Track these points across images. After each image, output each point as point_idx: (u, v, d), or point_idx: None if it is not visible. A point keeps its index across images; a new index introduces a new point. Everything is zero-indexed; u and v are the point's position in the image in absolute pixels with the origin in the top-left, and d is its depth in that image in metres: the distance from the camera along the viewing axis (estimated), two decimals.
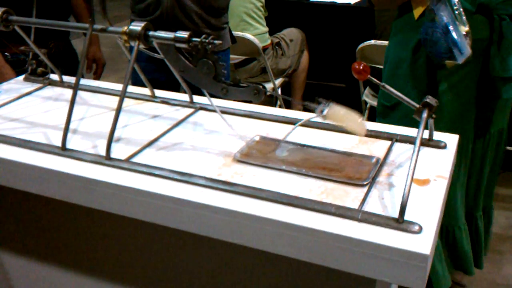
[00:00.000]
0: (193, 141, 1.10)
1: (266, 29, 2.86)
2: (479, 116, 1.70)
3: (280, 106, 2.64)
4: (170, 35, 1.01)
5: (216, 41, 0.98)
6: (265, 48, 2.79)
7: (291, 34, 3.00)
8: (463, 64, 1.55)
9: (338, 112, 0.92)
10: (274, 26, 2.95)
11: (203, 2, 1.92)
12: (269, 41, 2.87)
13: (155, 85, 1.31)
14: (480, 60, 1.64)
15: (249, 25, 2.74)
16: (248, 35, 2.66)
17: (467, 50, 1.51)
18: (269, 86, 2.88)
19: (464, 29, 1.53)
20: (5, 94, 1.36)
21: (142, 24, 1.03)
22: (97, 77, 2.33)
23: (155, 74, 1.25)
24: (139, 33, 1.02)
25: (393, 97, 0.96)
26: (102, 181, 0.96)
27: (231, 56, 2.73)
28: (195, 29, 1.92)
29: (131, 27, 1.03)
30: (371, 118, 2.65)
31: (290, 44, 2.96)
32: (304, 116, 1.18)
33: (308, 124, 1.13)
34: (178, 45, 1.01)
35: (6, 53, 2.00)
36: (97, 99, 1.32)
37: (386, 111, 1.76)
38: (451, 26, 1.51)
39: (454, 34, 1.51)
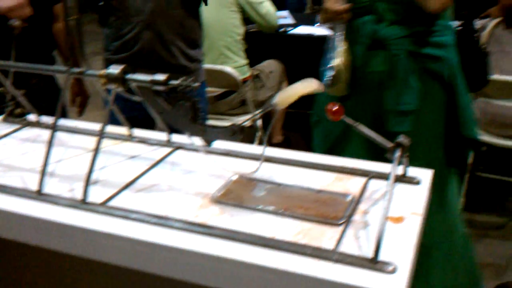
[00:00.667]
0: (170, 181, 1.10)
1: (246, 61, 2.89)
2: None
3: (260, 138, 2.66)
4: (147, 77, 1.02)
5: (193, 84, 0.99)
6: (245, 80, 2.82)
7: (271, 65, 3.04)
8: (362, 95, 1.70)
9: (286, 91, 0.95)
10: (253, 58, 2.99)
11: (182, 33, 1.93)
12: (248, 73, 2.91)
13: (133, 122, 1.31)
14: (375, 92, 1.71)
15: (228, 58, 2.77)
16: (228, 68, 2.69)
17: (326, 81, 1.66)
18: (248, 116, 2.90)
19: (337, 61, 1.67)
20: None
21: (120, 67, 1.04)
22: (81, 111, 2.32)
23: (133, 112, 1.26)
24: (116, 76, 1.03)
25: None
26: (77, 226, 0.96)
27: (211, 89, 2.75)
28: (173, 62, 1.94)
29: (109, 70, 1.04)
30: None
31: (269, 76, 2.99)
32: (281, 153, 1.20)
33: (286, 162, 1.15)
34: (155, 87, 1.02)
35: None
36: (75, 139, 1.32)
37: (314, 124, 1.95)
38: (331, 58, 1.68)
39: (326, 64, 1.68)
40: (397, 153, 0.91)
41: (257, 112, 0.95)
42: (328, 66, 1.68)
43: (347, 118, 0.95)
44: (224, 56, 2.76)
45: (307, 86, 0.95)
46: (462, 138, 1.75)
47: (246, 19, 2.86)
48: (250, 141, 3.19)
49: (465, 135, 1.76)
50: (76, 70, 1.10)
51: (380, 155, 1.73)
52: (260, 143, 2.54)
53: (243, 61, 2.85)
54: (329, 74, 1.68)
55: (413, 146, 0.93)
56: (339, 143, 1.84)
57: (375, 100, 1.73)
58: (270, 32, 2.93)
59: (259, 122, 2.90)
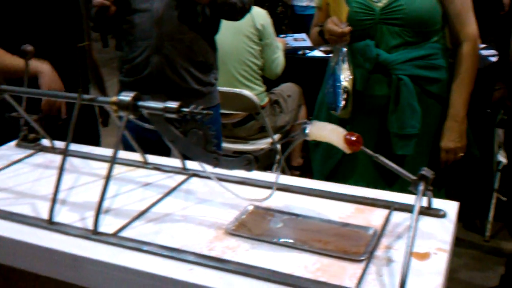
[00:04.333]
0: (184, 211, 1.07)
1: (263, 88, 2.85)
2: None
3: (279, 163, 2.61)
4: (159, 105, 1.00)
5: (205, 111, 0.96)
6: (262, 107, 2.78)
7: (289, 89, 3.00)
8: (364, 118, 1.71)
9: (321, 128, 0.90)
10: (270, 81, 2.96)
11: (193, 57, 1.91)
12: (266, 100, 2.86)
13: (146, 144, 1.28)
14: (378, 116, 1.72)
15: (245, 86, 2.74)
16: (246, 92, 2.66)
17: (341, 104, 1.66)
18: (268, 140, 2.86)
19: (343, 84, 1.66)
20: None
21: (132, 94, 1.01)
22: (104, 121, 2.29)
23: (146, 133, 1.23)
24: (128, 103, 1.00)
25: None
26: (88, 258, 0.92)
27: (228, 114, 2.73)
28: (184, 86, 1.91)
29: (120, 97, 1.01)
30: None
31: (287, 100, 2.96)
32: (298, 181, 1.16)
33: (304, 192, 1.10)
34: (167, 115, 0.99)
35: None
36: (88, 165, 1.29)
37: (313, 147, 1.94)
38: (338, 81, 1.67)
39: (336, 87, 1.68)
40: (421, 186, 0.86)
41: (277, 139, 0.92)
42: (339, 89, 1.66)
43: (366, 149, 0.91)
44: (241, 84, 2.73)
45: (337, 136, 0.90)
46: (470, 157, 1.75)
47: None
48: (269, 164, 3.16)
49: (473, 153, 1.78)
50: (87, 97, 1.08)
51: (389, 181, 1.73)
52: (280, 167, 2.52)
53: (260, 88, 2.81)
54: (342, 96, 1.66)
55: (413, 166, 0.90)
56: (341, 168, 1.81)
57: (377, 123, 1.73)
58: (269, 77, 2.92)
59: (279, 146, 2.86)
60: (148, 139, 1.30)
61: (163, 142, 1.78)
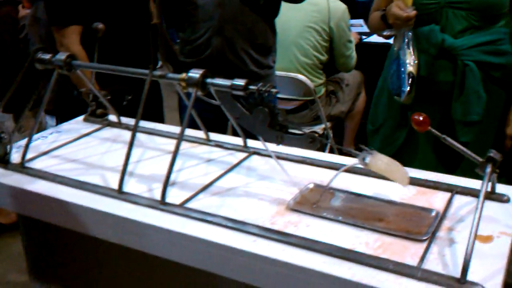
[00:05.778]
0: (246, 187, 1.10)
1: (323, 80, 2.80)
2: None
3: (331, 150, 2.60)
4: (227, 82, 1.03)
5: (273, 90, 0.98)
6: (318, 98, 2.75)
7: (349, 77, 2.95)
8: (427, 104, 1.67)
9: (380, 161, 0.90)
10: (332, 67, 2.90)
11: (253, 40, 1.93)
12: (323, 91, 2.83)
13: (204, 124, 1.32)
14: (441, 102, 1.69)
15: (304, 76, 2.70)
16: (301, 76, 2.65)
17: (406, 89, 1.63)
18: (320, 127, 2.85)
19: (409, 69, 1.63)
20: (66, 134, 1.40)
21: (200, 71, 1.04)
22: None
23: (204, 113, 1.27)
24: (197, 80, 1.04)
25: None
26: (156, 226, 0.97)
27: (285, 100, 2.72)
28: (243, 68, 1.94)
29: (190, 74, 1.05)
30: None
31: (345, 89, 2.92)
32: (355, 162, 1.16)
33: (363, 172, 1.11)
34: (235, 92, 1.02)
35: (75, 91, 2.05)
36: (153, 141, 1.34)
37: (371, 133, 1.93)
38: (402, 66, 1.65)
39: (401, 73, 1.65)
40: (488, 169, 0.86)
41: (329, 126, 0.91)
42: (404, 74, 1.65)
43: (433, 130, 0.91)
44: (300, 74, 2.70)
45: (400, 177, 0.90)
46: None
47: None
48: (320, 150, 3.14)
49: None
50: (158, 73, 1.12)
51: (449, 169, 1.70)
52: (331, 152, 2.52)
53: (319, 80, 2.78)
54: (407, 82, 1.64)
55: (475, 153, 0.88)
56: (401, 153, 1.80)
57: (439, 109, 1.70)
58: (342, 71, 2.87)
59: (330, 133, 2.85)
60: (205, 118, 1.34)
61: (219, 121, 1.83)
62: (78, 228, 1.09)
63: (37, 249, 1.38)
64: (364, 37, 3.21)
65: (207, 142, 1.31)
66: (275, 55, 2.07)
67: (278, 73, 2.27)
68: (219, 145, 1.29)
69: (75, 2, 1.83)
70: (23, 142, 1.32)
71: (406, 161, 1.76)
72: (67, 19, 1.84)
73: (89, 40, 1.77)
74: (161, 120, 2.22)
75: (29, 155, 1.23)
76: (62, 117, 1.91)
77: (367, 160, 0.90)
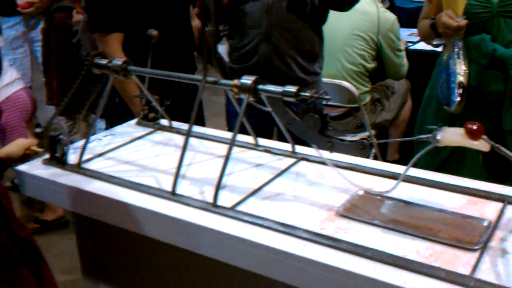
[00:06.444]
0: (295, 192, 1.12)
1: (368, 88, 2.79)
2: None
3: (375, 157, 2.58)
4: (279, 89, 1.05)
5: (325, 96, 0.99)
6: (363, 105, 2.74)
7: (396, 84, 2.92)
8: (476, 114, 1.63)
9: (453, 133, 0.90)
10: (378, 74, 2.88)
11: (300, 46, 1.95)
12: (368, 98, 2.82)
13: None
14: (491, 112, 1.65)
15: (349, 84, 2.69)
16: (346, 83, 2.65)
17: (456, 99, 1.61)
18: (364, 134, 2.83)
19: (459, 78, 1.61)
20: (119, 137, 1.45)
21: (252, 78, 1.07)
22: None
23: (250, 119, 1.29)
24: (249, 86, 1.06)
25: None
26: (208, 227, 1.00)
27: (331, 106, 2.72)
28: (290, 75, 1.96)
29: (242, 80, 1.07)
30: None
31: (391, 98, 2.89)
32: (407, 171, 1.16)
33: (414, 181, 1.11)
34: (286, 99, 1.04)
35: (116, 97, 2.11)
36: (203, 145, 1.38)
37: (418, 142, 1.79)
38: (452, 75, 1.63)
39: (451, 82, 1.63)
40: None
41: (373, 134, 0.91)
42: (453, 83, 1.63)
43: (488, 139, 0.91)
44: (346, 81, 2.69)
45: (478, 144, 0.90)
46: None
47: None
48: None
49: None
50: (211, 79, 1.16)
51: (499, 177, 1.67)
52: (375, 159, 2.51)
53: (364, 88, 2.77)
54: (457, 91, 1.62)
55: None
56: (448, 165, 1.76)
57: (489, 120, 1.66)
58: (393, 79, 2.86)
59: (375, 140, 2.83)
60: (252, 125, 1.37)
61: (265, 127, 1.84)
62: (132, 228, 1.13)
63: (90, 248, 1.43)
64: (409, 44, 3.18)
65: (255, 147, 1.33)
66: (322, 61, 2.08)
67: (323, 79, 2.27)
68: (268, 150, 1.31)
69: (117, 9, 1.88)
70: (78, 144, 1.38)
71: (454, 171, 1.75)
72: (109, 26, 1.89)
73: (129, 47, 1.84)
74: (202, 125, 2.26)
75: (85, 157, 1.28)
76: (112, 121, 1.98)
77: (438, 136, 0.90)
